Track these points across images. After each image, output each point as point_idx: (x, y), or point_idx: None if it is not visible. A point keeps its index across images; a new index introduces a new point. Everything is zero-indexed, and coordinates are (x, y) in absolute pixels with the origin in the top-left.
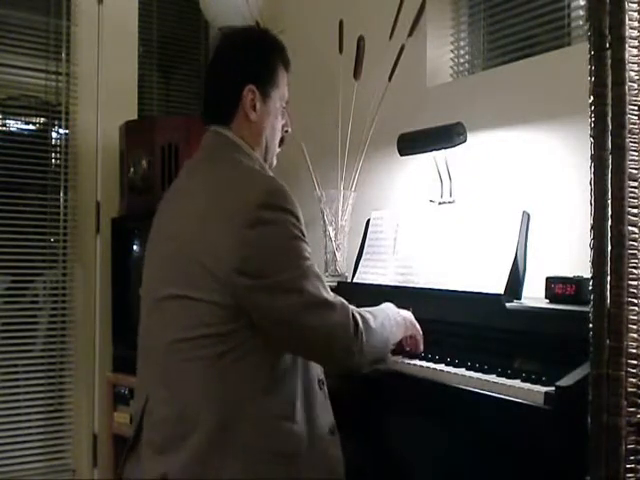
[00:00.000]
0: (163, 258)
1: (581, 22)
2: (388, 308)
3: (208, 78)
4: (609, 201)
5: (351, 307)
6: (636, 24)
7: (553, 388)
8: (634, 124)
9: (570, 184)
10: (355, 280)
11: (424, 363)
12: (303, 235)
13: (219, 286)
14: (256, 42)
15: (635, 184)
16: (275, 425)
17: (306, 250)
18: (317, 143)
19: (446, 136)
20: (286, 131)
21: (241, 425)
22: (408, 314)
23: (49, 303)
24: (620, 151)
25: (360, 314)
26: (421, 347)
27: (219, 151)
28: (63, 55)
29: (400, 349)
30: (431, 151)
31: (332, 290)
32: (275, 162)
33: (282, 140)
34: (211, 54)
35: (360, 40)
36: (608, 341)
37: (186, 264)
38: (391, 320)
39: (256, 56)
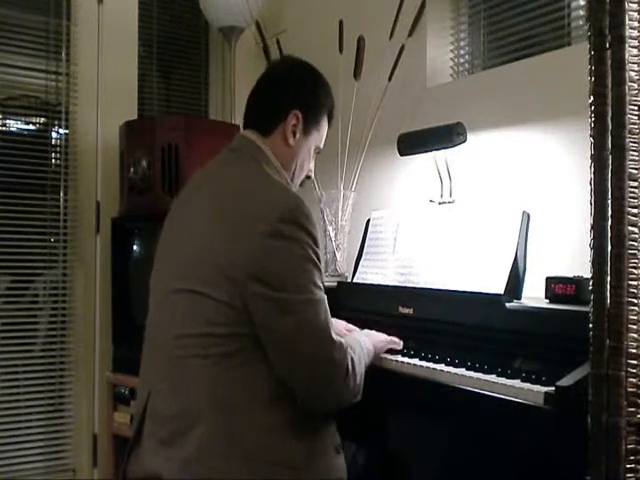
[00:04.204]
0: (178, 254)
1: (581, 22)
2: (362, 336)
3: (261, 87)
4: (609, 201)
5: (346, 348)
6: (636, 24)
7: (553, 388)
8: (634, 124)
9: (570, 184)
10: (355, 280)
11: (424, 363)
12: (319, 260)
13: (231, 286)
14: (318, 80)
15: (635, 184)
16: (276, 437)
17: (319, 277)
18: None
19: (446, 136)
20: (308, 177)
21: (243, 430)
22: (377, 339)
23: (49, 303)
24: (620, 151)
25: (351, 357)
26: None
27: (250, 157)
28: (63, 55)
29: None
30: (431, 151)
31: (332, 290)
32: None
33: (302, 182)
34: (269, 67)
35: (360, 40)
36: (608, 341)
37: (201, 262)
38: (363, 350)
39: (313, 91)
